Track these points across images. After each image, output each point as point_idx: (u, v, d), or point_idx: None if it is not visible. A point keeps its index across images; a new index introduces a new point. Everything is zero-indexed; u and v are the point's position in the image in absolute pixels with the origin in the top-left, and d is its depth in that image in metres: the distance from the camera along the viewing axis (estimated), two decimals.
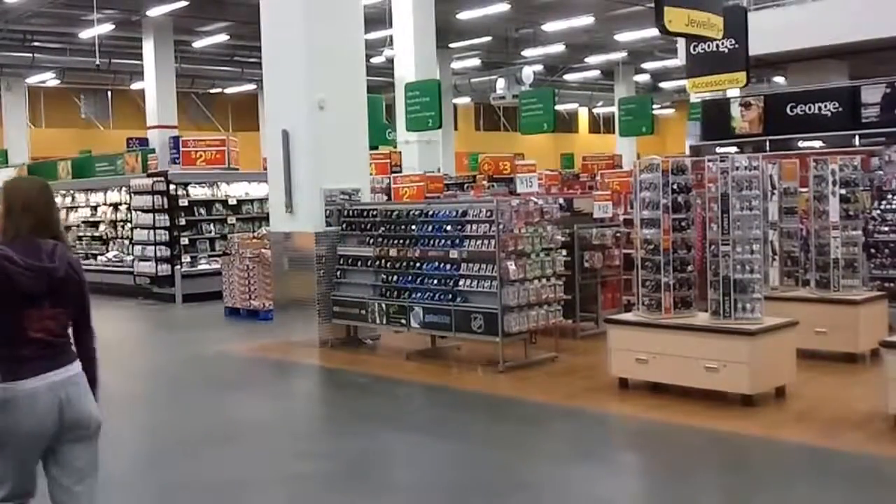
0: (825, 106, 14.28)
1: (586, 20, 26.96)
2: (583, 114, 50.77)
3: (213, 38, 27.76)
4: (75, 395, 3.91)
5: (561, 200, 11.41)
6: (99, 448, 4.01)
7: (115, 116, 38.94)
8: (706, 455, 6.87)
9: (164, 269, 16.58)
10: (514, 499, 6.07)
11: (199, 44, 28.52)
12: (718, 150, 14.62)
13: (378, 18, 20.00)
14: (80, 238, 19.83)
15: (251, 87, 34.52)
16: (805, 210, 9.89)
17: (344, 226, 11.31)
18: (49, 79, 32.06)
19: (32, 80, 32.21)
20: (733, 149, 14.61)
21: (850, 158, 9.83)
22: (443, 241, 10.12)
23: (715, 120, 15.87)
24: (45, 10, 23.58)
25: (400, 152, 19.24)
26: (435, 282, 10.10)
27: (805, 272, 9.81)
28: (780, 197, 9.60)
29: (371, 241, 10.92)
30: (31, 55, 27.98)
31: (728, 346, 7.77)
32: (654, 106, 31.24)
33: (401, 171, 17.52)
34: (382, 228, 10.84)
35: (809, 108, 14.41)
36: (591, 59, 35.18)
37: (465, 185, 20.44)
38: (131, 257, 17.54)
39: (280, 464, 6.91)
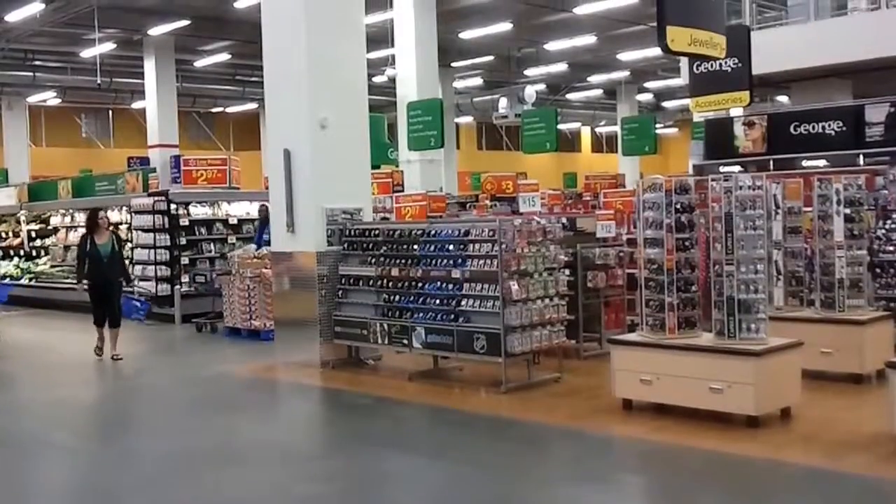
0: (829, 125, 14.26)
1: (589, 39, 27.04)
2: (585, 133, 50.85)
3: (214, 57, 27.81)
4: None
5: (564, 220, 11.36)
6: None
7: (115, 135, 39.02)
8: (711, 477, 6.78)
9: (164, 288, 16.51)
10: None
11: (200, 63, 28.60)
12: (722, 169, 14.55)
13: (380, 37, 20.03)
14: None
15: (253, 106, 34.63)
16: (809, 230, 9.82)
17: (345, 245, 11.26)
18: (50, 98, 32.16)
19: (33, 98, 32.32)
20: (737, 168, 14.58)
21: (855, 177, 9.80)
22: (445, 260, 10.06)
23: (718, 139, 15.85)
24: (47, 30, 23.61)
25: (402, 171, 19.23)
26: (437, 302, 10.04)
27: (810, 292, 9.72)
28: (784, 216, 9.54)
29: (373, 260, 10.86)
30: (31, 74, 28.00)
31: (733, 367, 7.70)
32: (657, 125, 31.25)
33: (403, 191, 17.48)
34: (384, 248, 10.79)
35: (813, 128, 14.38)
36: (594, 79, 35.27)
37: (468, 205, 20.36)
38: (132, 277, 17.45)
39: (280, 485, 6.82)
